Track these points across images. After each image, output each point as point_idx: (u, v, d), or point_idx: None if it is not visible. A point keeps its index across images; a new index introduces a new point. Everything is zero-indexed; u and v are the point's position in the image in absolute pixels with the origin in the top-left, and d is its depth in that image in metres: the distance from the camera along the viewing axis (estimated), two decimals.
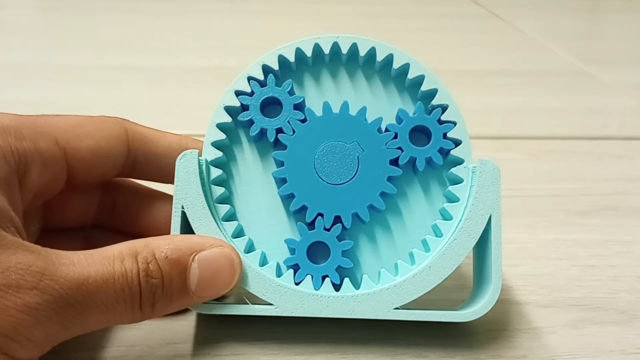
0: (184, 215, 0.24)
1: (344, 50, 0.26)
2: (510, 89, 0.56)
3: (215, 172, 0.25)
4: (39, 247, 0.20)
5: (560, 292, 0.29)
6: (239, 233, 0.25)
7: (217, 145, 0.25)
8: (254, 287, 0.24)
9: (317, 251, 0.25)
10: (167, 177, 0.26)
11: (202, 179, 0.24)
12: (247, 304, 0.24)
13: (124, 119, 0.26)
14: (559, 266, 0.31)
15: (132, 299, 0.21)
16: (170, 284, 0.21)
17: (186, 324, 0.26)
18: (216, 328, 0.25)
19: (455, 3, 0.89)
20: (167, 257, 0.21)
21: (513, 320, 0.27)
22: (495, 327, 0.26)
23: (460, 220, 0.25)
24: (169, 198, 0.27)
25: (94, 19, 0.59)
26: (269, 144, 0.26)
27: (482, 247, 0.25)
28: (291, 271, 0.24)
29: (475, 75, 0.59)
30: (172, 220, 0.24)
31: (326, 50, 0.26)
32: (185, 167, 0.24)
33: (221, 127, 0.25)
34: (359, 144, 0.25)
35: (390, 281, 0.24)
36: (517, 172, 0.39)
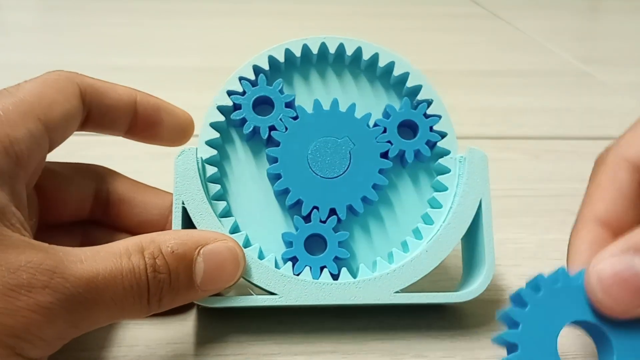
0: (184, 210, 0.24)
1: (332, 50, 0.27)
2: (510, 89, 0.56)
3: (210, 170, 0.25)
4: (46, 244, 0.20)
5: None
6: (235, 229, 0.25)
7: (211, 144, 0.25)
8: (257, 277, 0.24)
9: (313, 244, 0.25)
10: (116, 129, 0.26)
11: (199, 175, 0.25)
12: (252, 294, 0.24)
13: (74, 73, 0.25)
14: (559, 266, 0.31)
15: (140, 295, 0.21)
16: (177, 278, 0.21)
17: (186, 324, 0.26)
18: (216, 328, 0.25)
19: (455, 3, 0.89)
20: (173, 251, 0.21)
21: None
22: (496, 327, 0.26)
23: (451, 207, 0.26)
24: (161, 193, 0.27)
25: (95, 19, 0.58)
26: (261, 142, 0.26)
27: (473, 231, 0.26)
28: (290, 264, 0.25)
29: (475, 75, 0.59)
30: (173, 216, 0.24)
31: (314, 50, 0.27)
32: (184, 164, 0.25)
33: (214, 126, 0.26)
34: (350, 139, 0.26)
35: (386, 269, 0.25)
36: (517, 172, 0.40)
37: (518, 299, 0.21)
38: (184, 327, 0.26)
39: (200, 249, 0.22)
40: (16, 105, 0.22)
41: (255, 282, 0.24)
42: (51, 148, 0.24)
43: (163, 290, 0.21)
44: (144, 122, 0.26)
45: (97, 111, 0.25)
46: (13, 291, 0.18)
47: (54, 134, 0.23)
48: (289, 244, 0.25)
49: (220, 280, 0.23)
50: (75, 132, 0.25)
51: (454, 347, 0.25)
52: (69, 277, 0.19)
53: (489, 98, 0.53)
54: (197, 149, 0.25)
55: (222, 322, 0.26)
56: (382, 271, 0.25)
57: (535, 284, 0.21)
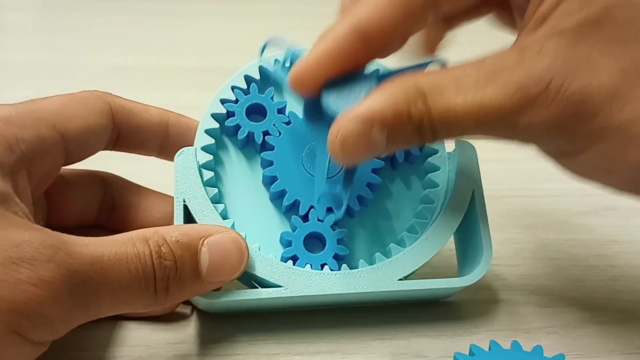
0: (186, 209, 0.24)
1: None
2: None
3: (207, 174, 0.25)
4: (48, 230, 0.20)
5: (560, 292, 0.29)
6: None
7: (206, 150, 0.26)
8: (261, 270, 0.24)
9: (311, 244, 0.25)
10: (149, 149, 0.27)
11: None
12: (257, 288, 0.24)
13: (106, 93, 0.26)
14: (559, 266, 0.31)
15: (146, 280, 0.20)
16: (182, 267, 0.21)
17: (186, 324, 0.26)
18: (217, 328, 0.25)
19: None
20: (177, 241, 0.21)
21: (513, 320, 0.27)
22: (496, 327, 0.27)
23: (444, 201, 0.26)
24: (166, 197, 0.27)
25: (94, 19, 0.58)
26: (254, 149, 0.27)
27: (467, 222, 0.26)
28: (290, 262, 0.25)
29: None
30: (174, 214, 0.24)
31: None
32: (184, 163, 0.25)
33: (209, 132, 0.26)
34: None
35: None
36: (517, 172, 0.39)
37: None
38: (185, 327, 0.26)
39: (204, 240, 0.22)
40: (32, 110, 0.22)
41: (259, 274, 0.24)
42: (71, 160, 0.24)
43: (170, 278, 0.21)
44: (175, 144, 0.26)
45: (128, 132, 0.26)
46: (15, 264, 0.18)
47: (72, 146, 0.23)
48: (288, 243, 0.25)
49: (226, 270, 0.23)
50: None
51: (454, 347, 0.25)
52: (73, 255, 0.19)
53: None
54: (196, 148, 0.25)
55: (222, 322, 0.26)
56: (386, 260, 0.25)
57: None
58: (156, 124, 0.26)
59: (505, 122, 0.20)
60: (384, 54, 0.23)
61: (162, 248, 0.21)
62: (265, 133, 0.26)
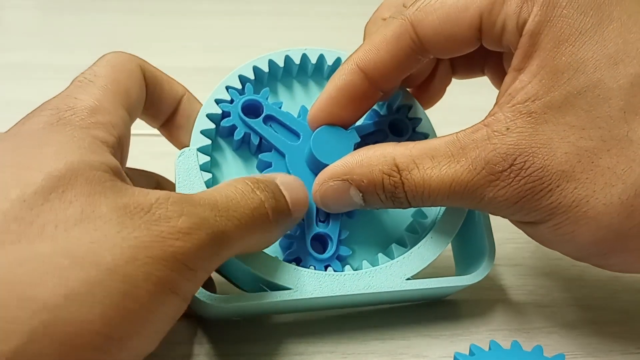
0: None
1: (313, 60, 0.28)
2: None
3: (205, 176, 0.25)
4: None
5: (560, 292, 0.29)
6: None
7: (203, 151, 0.25)
8: (270, 273, 0.24)
9: (312, 245, 0.25)
10: (158, 119, 0.26)
11: None
12: (266, 291, 0.24)
13: (134, 56, 0.25)
14: (559, 266, 0.31)
15: (259, 209, 0.21)
16: (279, 197, 0.22)
17: (186, 325, 0.26)
18: (216, 328, 0.25)
19: None
20: (262, 180, 0.22)
21: (513, 320, 0.27)
22: (496, 327, 0.27)
23: None
24: None
25: (94, 19, 0.58)
26: (248, 151, 0.27)
27: (468, 219, 0.26)
28: (294, 264, 0.24)
29: None
30: None
31: (296, 61, 0.28)
32: (185, 163, 0.24)
33: (205, 133, 0.26)
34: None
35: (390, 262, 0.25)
36: None
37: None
38: (184, 327, 0.26)
39: (275, 180, 0.23)
40: (104, 95, 0.22)
41: (269, 277, 0.23)
42: None
43: (275, 203, 0.22)
44: (180, 122, 0.26)
45: (151, 99, 0.25)
46: (154, 225, 0.18)
47: (131, 121, 0.24)
48: (288, 245, 0.25)
49: (300, 203, 0.23)
50: None
51: (454, 347, 0.25)
52: (197, 205, 0.20)
53: (490, 98, 0.53)
54: (197, 149, 0.25)
55: (222, 323, 0.26)
56: (393, 260, 0.25)
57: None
58: (174, 99, 0.26)
59: (472, 195, 0.23)
60: (385, 87, 0.25)
61: (258, 184, 0.22)
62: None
